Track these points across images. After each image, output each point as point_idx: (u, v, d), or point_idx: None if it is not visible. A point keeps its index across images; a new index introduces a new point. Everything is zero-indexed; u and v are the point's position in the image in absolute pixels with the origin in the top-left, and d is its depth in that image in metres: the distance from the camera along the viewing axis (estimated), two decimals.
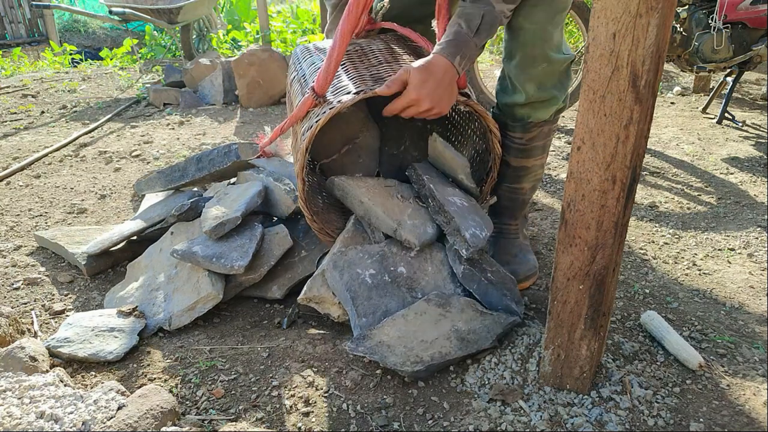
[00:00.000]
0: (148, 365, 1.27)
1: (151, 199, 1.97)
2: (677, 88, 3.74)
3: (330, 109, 1.29)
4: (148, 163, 2.61)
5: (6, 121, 3.29)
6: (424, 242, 1.41)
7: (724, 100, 3.06)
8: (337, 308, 1.35)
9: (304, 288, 1.37)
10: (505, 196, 1.64)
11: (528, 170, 1.58)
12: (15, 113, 3.47)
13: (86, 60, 5.72)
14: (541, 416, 1.10)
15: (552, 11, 1.37)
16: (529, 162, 1.57)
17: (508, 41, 1.45)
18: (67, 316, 1.46)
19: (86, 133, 3.03)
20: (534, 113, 1.48)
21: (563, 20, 1.43)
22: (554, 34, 1.40)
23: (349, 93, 1.31)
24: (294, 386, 1.20)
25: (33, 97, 3.86)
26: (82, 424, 1.00)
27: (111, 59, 5.30)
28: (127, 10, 4.22)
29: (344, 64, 1.46)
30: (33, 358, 1.17)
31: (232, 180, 1.92)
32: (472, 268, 1.37)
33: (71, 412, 1.02)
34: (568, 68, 1.46)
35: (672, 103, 3.53)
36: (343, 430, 1.09)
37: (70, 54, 5.78)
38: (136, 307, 1.41)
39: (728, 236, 1.86)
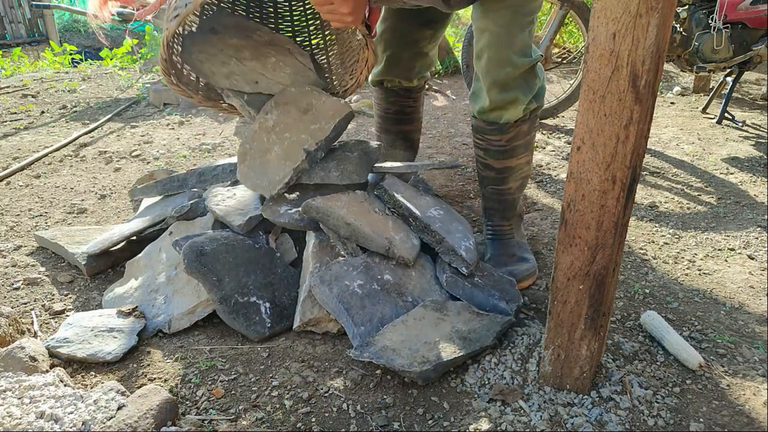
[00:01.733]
0: (148, 365, 1.27)
1: (151, 199, 1.97)
2: (677, 88, 3.74)
3: None
4: (148, 163, 2.60)
5: (6, 121, 3.29)
6: (415, 256, 1.44)
7: (724, 100, 3.06)
8: (335, 324, 1.35)
9: (296, 316, 1.36)
10: (493, 198, 1.65)
11: (512, 170, 1.59)
12: (15, 113, 3.47)
13: (86, 60, 5.71)
14: (541, 416, 1.10)
15: (519, 14, 1.40)
16: (513, 162, 1.58)
17: (477, 43, 1.48)
18: (67, 316, 1.46)
19: (86, 133, 3.03)
20: (503, 114, 1.50)
21: (532, 23, 1.45)
22: (520, 37, 1.42)
23: None
24: (294, 386, 1.20)
25: (33, 97, 3.86)
26: (82, 424, 1.00)
27: (111, 59, 5.30)
28: (127, 10, 4.22)
29: None
30: (33, 358, 1.16)
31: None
32: (455, 275, 1.41)
33: (71, 412, 1.02)
34: (533, 69, 1.48)
35: (672, 103, 3.53)
36: (343, 430, 1.09)
37: (70, 54, 5.77)
38: (136, 307, 1.41)
39: (728, 236, 1.86)
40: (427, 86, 3.81)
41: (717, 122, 3.06)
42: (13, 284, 1.59)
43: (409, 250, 1.43)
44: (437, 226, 1.48)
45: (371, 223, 1.44)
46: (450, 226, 1.51)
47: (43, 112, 3.50)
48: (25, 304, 1.51)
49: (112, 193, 2.25)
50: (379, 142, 1.68)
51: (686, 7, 2.88)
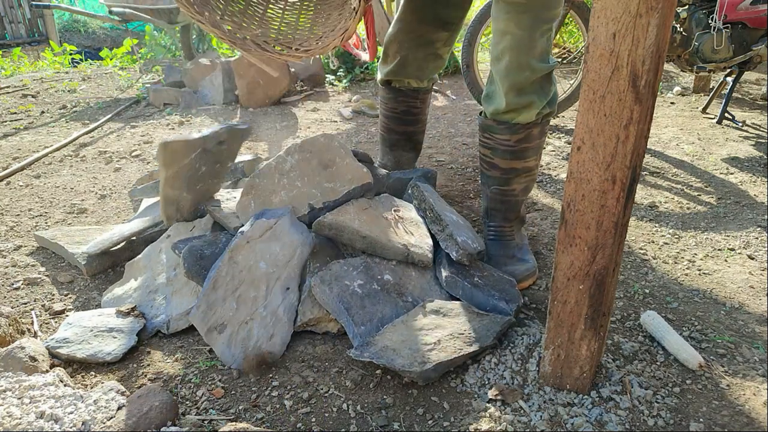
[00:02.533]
0: (148, 365, 1.26)
1: (151, 199, 1.97)
2: (677, 88, 3.74)
3: None
4: (148, 163, 2.60)
5: (6, 121, 3.29)
6: (431, 256, 1.45)
7: (724, 100, 3.06)
8: (335, 324, 1.36)
9: (297, 316, 1.37)
10: (496, 199, 1.64)
11: (518, 172, 1.59)
12: (15, 113, 3.47)
13: (86, 60, 5.72)
14: (541, 416, 1.10)
15: (540, 20, 1.41)
16: (519, 164, 1.58)
17: (496, 45, 1.48)
18: (67, 316, 1.46)
19: (86, 133, 3.03)
20: (517, 116, 1.51)
21: (551, 30, 1.46)
22: (540, 42, 1.43)
23: None
24: (294, 386, 1.20)
25: (33, 97, 3.86)
26: (82, 424, 1.00)
27: (111, 59, 5.30)
28: (127, 10, 4.22)
29: None
30: (33, 358, 1.17)
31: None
32: (455, 275, 1.42)
33: (71, 412, 1.02)
34: (549, 75, 1.49)
35: (672, 103, 3.53)
36: (343, 430, 1.09)
37: (70, 54, 5.78)
38: (135, 306, 1.41)
39: (728, 236, 1.86)
40: None
41: (717, 122, 3.06)
42: (13, 284, 1.59)
43: (425, 251, 1.45)
44: (448, 220, 1.51)
45: (383, 230, 1.45)
46: (461, 228, 1.53)
47: (43, 112, 3.50)
48: (25, 304, 1.51)
49: (112, 193, 2.26)
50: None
51: (686, 7, 2.88)
